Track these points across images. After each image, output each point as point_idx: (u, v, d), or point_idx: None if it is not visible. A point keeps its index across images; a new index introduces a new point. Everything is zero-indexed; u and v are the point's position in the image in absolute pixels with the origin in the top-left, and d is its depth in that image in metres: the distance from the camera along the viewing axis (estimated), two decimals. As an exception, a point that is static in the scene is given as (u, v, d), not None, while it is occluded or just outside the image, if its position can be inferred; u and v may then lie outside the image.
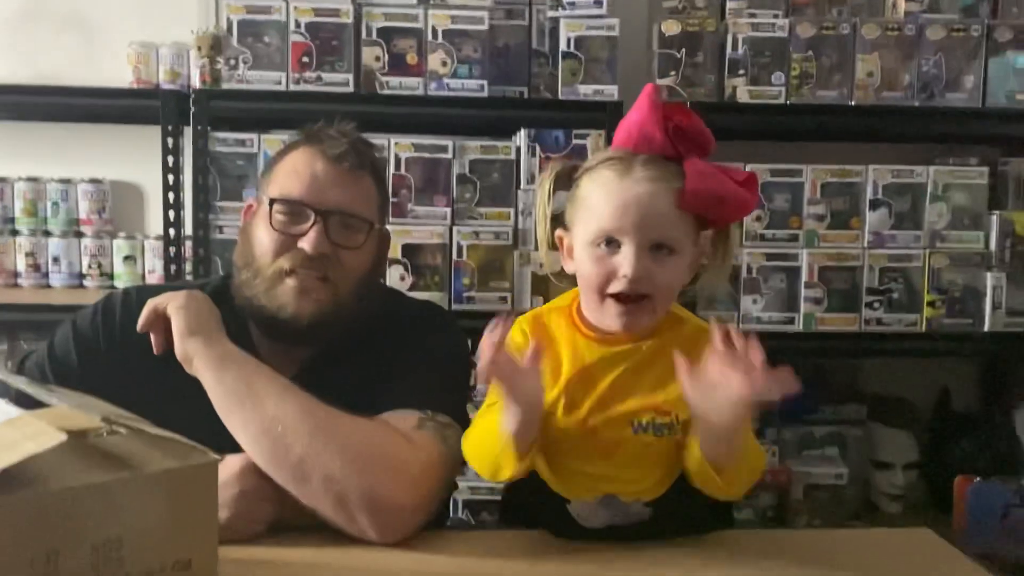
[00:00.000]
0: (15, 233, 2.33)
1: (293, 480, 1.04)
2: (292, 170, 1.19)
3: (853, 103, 2.15)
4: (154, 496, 0.77)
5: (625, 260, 0.98)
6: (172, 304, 1.15)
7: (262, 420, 1.05)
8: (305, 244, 1.15)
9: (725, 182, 0.98)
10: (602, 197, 1.00)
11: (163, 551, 0.77)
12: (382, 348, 1.23)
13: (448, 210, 2.08)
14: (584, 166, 1.06)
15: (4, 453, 0.70)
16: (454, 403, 1.19)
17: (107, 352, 1.20)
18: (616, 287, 0.99)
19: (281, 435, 1.03)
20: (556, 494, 1.07)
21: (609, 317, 1.02)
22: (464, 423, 1.17)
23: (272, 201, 1.18)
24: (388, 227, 1.35)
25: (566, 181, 1.08)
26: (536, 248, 1.07)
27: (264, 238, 1.18)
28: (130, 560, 0.75)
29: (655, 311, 1.02)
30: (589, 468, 1.04)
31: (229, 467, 1.03)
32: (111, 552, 0.75)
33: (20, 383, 0.92)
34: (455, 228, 2.07)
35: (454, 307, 2.06)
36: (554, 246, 1.09)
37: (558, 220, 1.08)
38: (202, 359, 1.10)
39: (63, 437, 0.72)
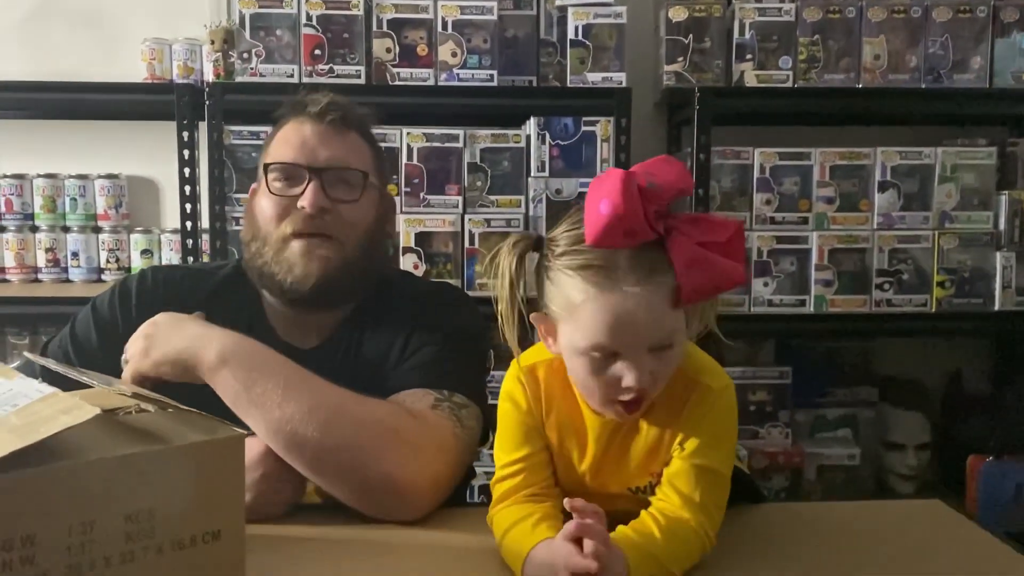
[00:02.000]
0: (35, 229, 2.37)
1: (311, 472, 1.05)
2: (283, 139, 1.23)
3: (860, 86, 2.17)
4: (183, 468, 0.79)
5: (628, 372, 0.90)
6: (137, 344, 1.10)
7: (269, 423, 1.04)
8: (304, 202, 1.17)
9: (716, 264, 0.89)
10: (592, 311, 0.89)
11: (193, 522, 0.80)
12: (400, 321, 1.24)
13: (460, 198, 2.10)
14: (556, 250, 0.93)
15: (41, 426, 0.73)
16: (471, 382, 1.20)
17: (125, 332, 1.22)
18: (623, 397, 0.92)
19: (291, 434, 1.03)
20: None
21: (611, 413, 0.96)
22: (481, 402, 1.18)
23: (267, 167, 1.21)
24: (392, 195, 1.37)
25: (528, 255, 0.97)
26: (500, 324, 0.94)
27: (265, 206, 1.21)
28: (161, 530, 0.78)
29: (648, 399, 0.95)
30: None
31: (251, 450, 1.03)
32: (143, 523, 0.77)
33: (50, 364, 0.95)
34: (467, 216, 2.10)
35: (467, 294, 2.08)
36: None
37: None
38: (199, 370, 1.07)
39: (97, 410, 0.74)
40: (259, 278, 1.23)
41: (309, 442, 1.03)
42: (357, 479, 1.04)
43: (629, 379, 0.89)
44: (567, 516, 0.90)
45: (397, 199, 2.09)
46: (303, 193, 1.18)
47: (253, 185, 1.29)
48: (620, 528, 0.92)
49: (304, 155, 1.20)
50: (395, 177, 2.09)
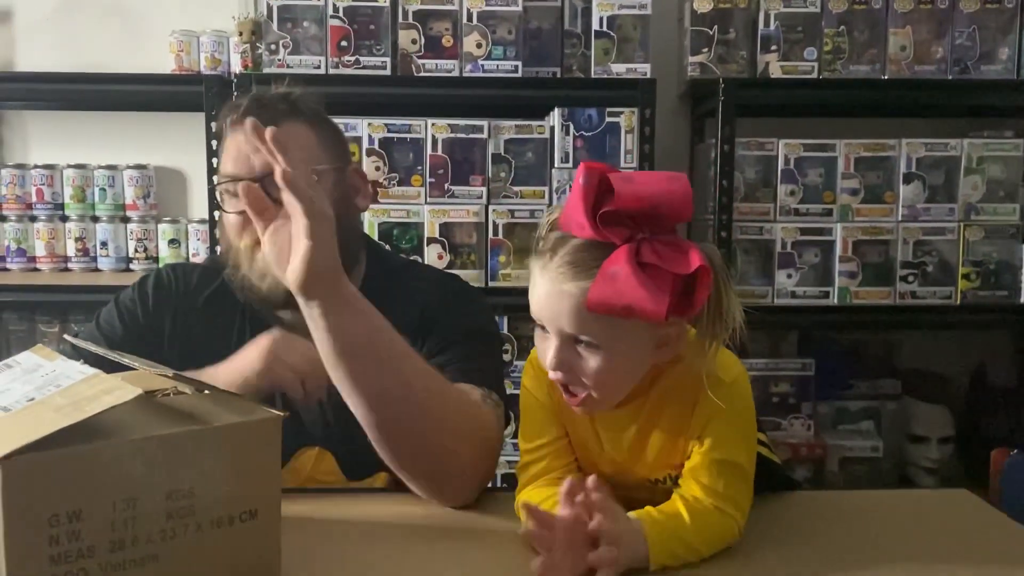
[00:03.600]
0: (65, 218, 2.40)
1: (387, 448, 1.03)
2: (225, 153, 1.22)
3: (886, 77, 2.16)
4: (222, 448, 0.81)
5: (549, 348, 0.93)
6: (308, 227, 0.93)
7: (370, 384, 0.99)
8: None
9: (632, 290, 0.86)
10: (533, 281, 0.94)
11: (231, 501, 0.82)
12: (405, 300, 1.23)
13: (484, 189, 2.12)
14: (538, 230, 0.98)
15: (85, 405, 0.75)
16: (501, 381, 1.23)
17: (144, 323, 1.28)
18: (551, 376, 0.95)
19: (385, 406, 1.00)
20: None
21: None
22: (506, 400, 1.21)
23: (214, 187, 1.21)
24: (357, 170, 1.31)
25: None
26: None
27: (227, 222, 1.22)
28: (200, 509, 0.80)
29: (599, 403, 0.94)
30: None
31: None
32: (183, 501, 0.79)
33: (91, 347, 0.97)
34: (491, 207, 2.11)
35: (490, 284, 2.10)
36: None
37: None
38: (326, 302, 0.98)
39: (139, 391, 0.76)
40: (241, 291, 1.22)
41: (400, 421, 1.01)
42: (432, 464, 1.05)
43: (548, 356, 0.92)
44: None
45: (421, 190, 2.11)
46: None
47: None
48: (646, 508, 0.93)
49: (241, 166, 1.17)
50: (419, 168, 2.10)
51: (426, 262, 2.03)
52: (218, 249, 2.13)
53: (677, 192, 0.89)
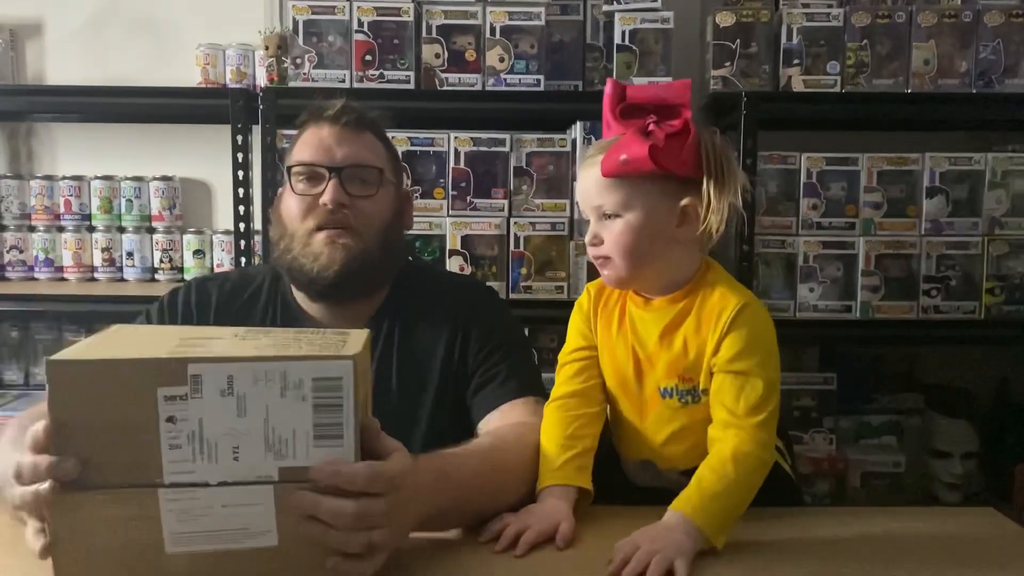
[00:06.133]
0: (92, 229, 2.43)
1: (475, 517, 1.07)
2: (303, 143, 1.32)
3: (909, 91, 2.15)
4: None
5: (589, 230, 1.15)
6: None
7: (460, 521, 1.06)
8: (325, 198, 1.26)
9: (628, 146, 1.09)
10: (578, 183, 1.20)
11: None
12: (440, 316, 1.34)
13: (505, 202, 2.13)
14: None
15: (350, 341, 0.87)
16: (539, 376, 1.34)
17: None
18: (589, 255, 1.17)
19: (473, 518, 1.06)
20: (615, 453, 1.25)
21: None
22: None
23: (290, 168, 1.31)
24: (408, 192, 1.47)
25: None
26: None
27: (291, 205, 1.30)
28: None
29: (619, 268, 1.13)
30: (632, 422, 1.19)
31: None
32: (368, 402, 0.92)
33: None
34: (512, 219, 2.12)
35: (511, 296, 2.11)
36: None
37: None
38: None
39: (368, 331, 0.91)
40: (288, 271, 1.32)
41: (477, 500, 1.06)
42: (520, 500, 1.11)
43: (587, 234, 1.15)
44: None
45: (443, 202, 2.12)
46: (324, 190, 1.27)
47: (280, 189, 1.38)
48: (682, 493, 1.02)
49: (323, 155, 1.29)
50: (441, 181, 2.12)
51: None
52: (252, 259, 2.18)
53: (675, 84, 1.14)
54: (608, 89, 1.14)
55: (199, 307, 1.35)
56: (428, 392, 1.31)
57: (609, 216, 1.12)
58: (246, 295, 1.37)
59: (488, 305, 1.41)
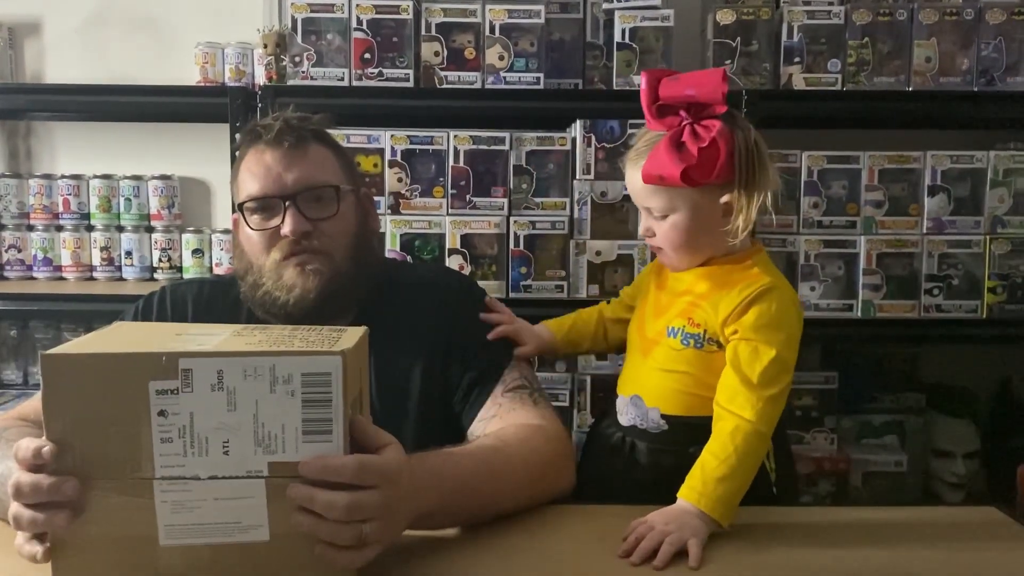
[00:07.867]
0: (90, 228, 2.43)
1: (470, 518, 1.07)
2: (248, 172, 1.26)
3: (911, 89, 2.14)
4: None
5: (641, 223, 1.29)
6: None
7: (455, 520, 1.05)
8: (286, 230, 1.22)
9: (663, 163, 1.17)
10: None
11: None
12: (417, 313, 1.32)
13: (505, 200, 2.12)
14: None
15: (344, 337, 0.88)
16: (533, 375, 1.32)
17: None
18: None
19: (474, 518, 1.06)
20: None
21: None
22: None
23: (241, 206, 1.26)
24: (367, 190, 1.42)
25: None
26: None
27: (252, 239, 1.26)
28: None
29: (672, 258, 1.27)
30: (635, 360, 1.30)
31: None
32: (364, 400, 0.93)
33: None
34: (512, 218, 2.11)
35: (511, 295, 2.10)
36: None
37: None
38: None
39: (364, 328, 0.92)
40: (261, 306, 1.27)
41: (482, 504, 1.06)
42: (530, 500, 1.13)
43: (640, 228, 1.29)
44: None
45: (443, 201, 2.11)
46: (283, 221, 1.22)
47: (233, 216, 1.33)
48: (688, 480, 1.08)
49: (273, 185, 1.23)
50: (440, 179, 2.11)
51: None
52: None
53: (707, 84, 1.18)
54: (643, 84, 1.21)
55: (175, 315, 1.32)
56: (411, 400, 1.28)
57: (654, 215, 1.24)
58: (223, 304, 1.34)
59: (467, 299, 1.38)
